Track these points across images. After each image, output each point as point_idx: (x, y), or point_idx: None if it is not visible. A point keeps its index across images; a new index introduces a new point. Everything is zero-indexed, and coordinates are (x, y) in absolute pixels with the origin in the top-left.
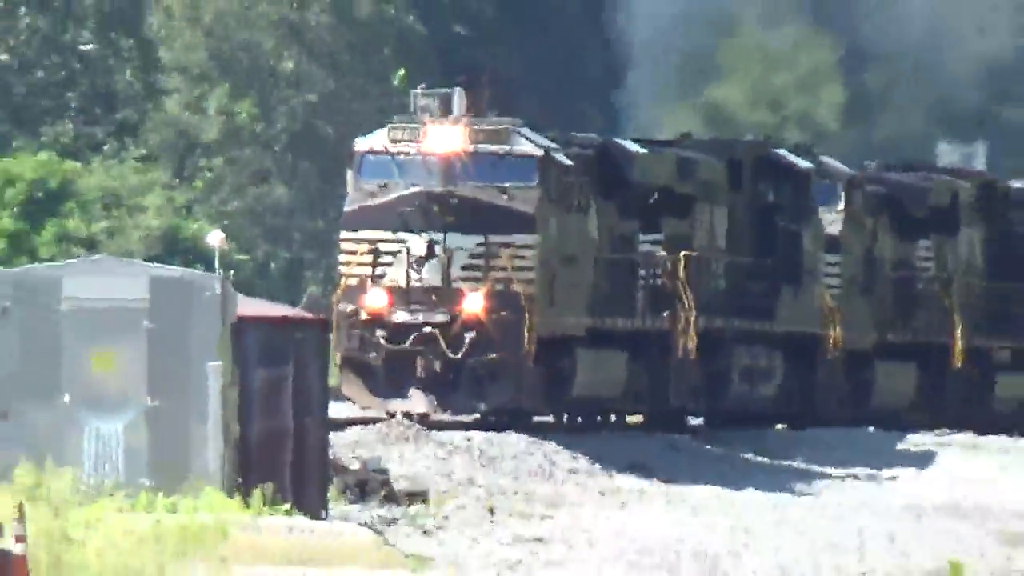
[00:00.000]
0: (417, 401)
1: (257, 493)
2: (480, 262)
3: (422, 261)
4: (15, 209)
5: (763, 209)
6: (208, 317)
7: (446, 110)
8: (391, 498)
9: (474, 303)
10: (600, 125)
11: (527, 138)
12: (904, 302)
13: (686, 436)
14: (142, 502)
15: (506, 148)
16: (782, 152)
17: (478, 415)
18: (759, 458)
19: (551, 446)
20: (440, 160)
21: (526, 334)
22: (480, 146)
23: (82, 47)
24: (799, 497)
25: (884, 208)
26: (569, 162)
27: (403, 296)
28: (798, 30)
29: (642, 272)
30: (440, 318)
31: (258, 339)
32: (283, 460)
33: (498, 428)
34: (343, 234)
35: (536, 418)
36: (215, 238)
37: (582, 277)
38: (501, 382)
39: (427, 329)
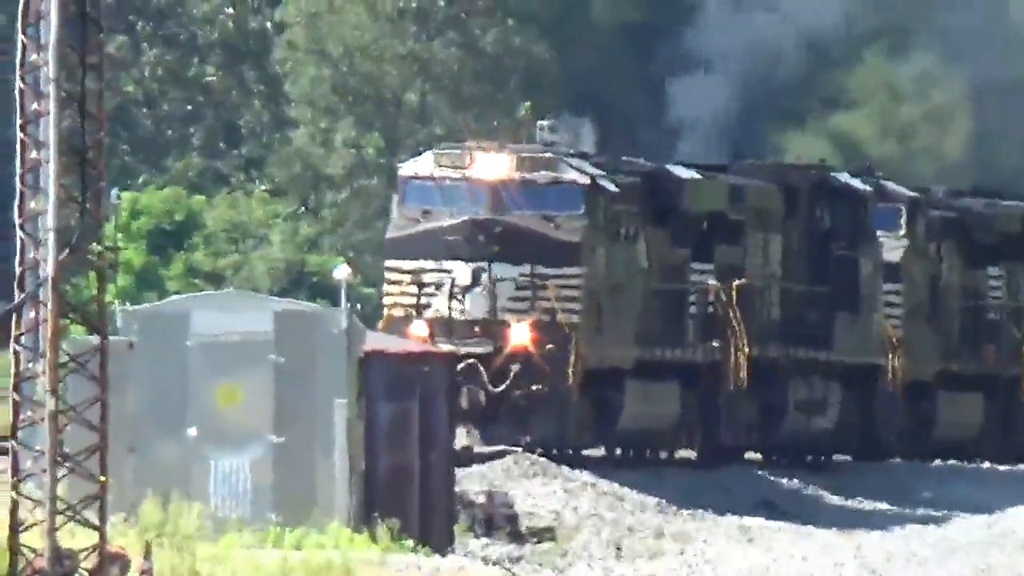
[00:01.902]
0: (458, 434)
1: (383, 529)
2: (526, 293)
3: (466, 290)
4: (143, 243)
5: (819, 235)
6: (334, 351)
7: (574, 142)
8: (518, 534)
9: (520, 334)
10: (716, 153)
11: (574, 166)
12: (971, 331)
13: (816, 472)
14: (270, 537)
15: (553, 176)
16: (841, 176)
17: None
18: (881, 495)
19: (676, 482)
20: (486, 187)
21: (572, 366)
22: (526, 174)
23: (207, 79)
24: (924, 534)
25: (950, 234)
26: (616, 189)
27: (446, 328)
28: (925, 63)
29: (693, 301)
30: (483, 349)
31: (384, 373)
32: (409, 495)
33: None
34: (387, 262)
35: (586, 451)
36: (342, 272)
37: (630, 307)
38: (545, 414)
39: (469, 361)
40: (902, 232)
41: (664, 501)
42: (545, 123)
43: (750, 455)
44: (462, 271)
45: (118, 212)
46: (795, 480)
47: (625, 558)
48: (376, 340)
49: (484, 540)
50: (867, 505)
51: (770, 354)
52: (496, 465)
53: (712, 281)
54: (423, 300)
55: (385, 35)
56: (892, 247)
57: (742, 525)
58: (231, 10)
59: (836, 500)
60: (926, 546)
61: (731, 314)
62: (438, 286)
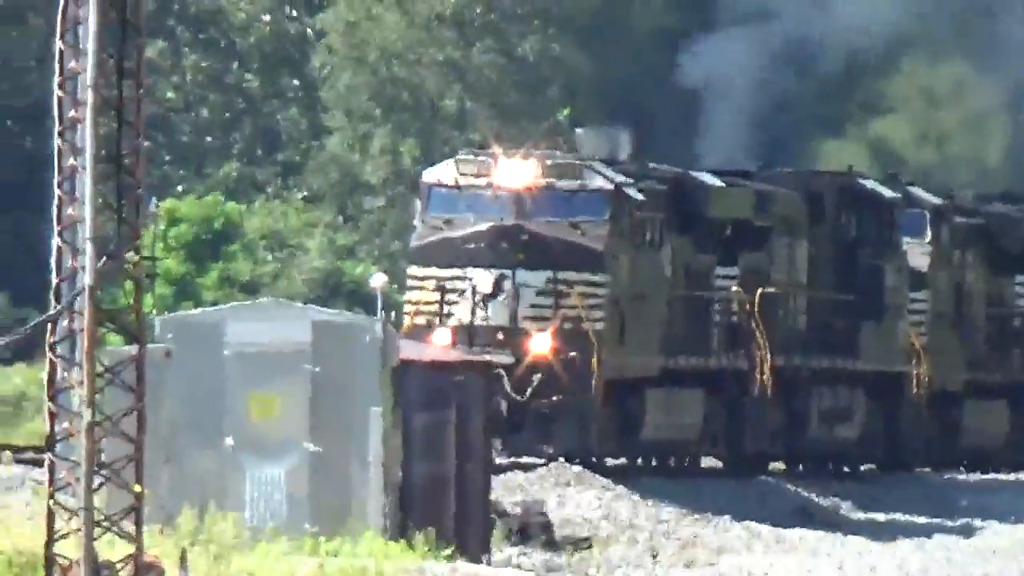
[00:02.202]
0: None
1: (419, 537)
2: (548, 300)
3: (489, 298)
4: (181, 251)
5: (845, 242)
6: (370, 361)
7: (612, 150)
8: (553, 543)
9: (541, 343)
10: (756, 159)
11: (599, 172)
12: (998, 339)
13: (846, 482)
14: (306, 546)
15: (577, 183)
16: (866, 183)
17: (546, 459)
18: (918, 505)
19: (714, 490)
20: (510, 194)
21: (595, 375)
22: (551, 180)
23: (246, 85)
24: (963, 540)
25: (976, 240)
26: (641, 197)
27: (468, 336)
28: (963, 68)
29: (718, 309)
30: (505, 359)
31: (420, 382)
32: (445, 504)
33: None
34: (409, 270)
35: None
36: (378, 281)
37: (654, 315)
38: (567, 424)
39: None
40: (927, 239)
41: (700, 511)
42: (581, 131)
43: (779, 466)
44: (484, 278)
45: (156, 221)
46: (831, 490)
47: (661, 567)
48: (412, 349)
49: (520, 549)
50: (904, 514)
51: (795, 362)
52: (532, 474)
53: (736, 289)
54: (445, 308)
55: (422, 41)
56: (917, 254)
57: (778, 535)
58: (270, 17)
59: (873, 509)
60: (963, 553)
61: (755, 322)
62: (460, 293)
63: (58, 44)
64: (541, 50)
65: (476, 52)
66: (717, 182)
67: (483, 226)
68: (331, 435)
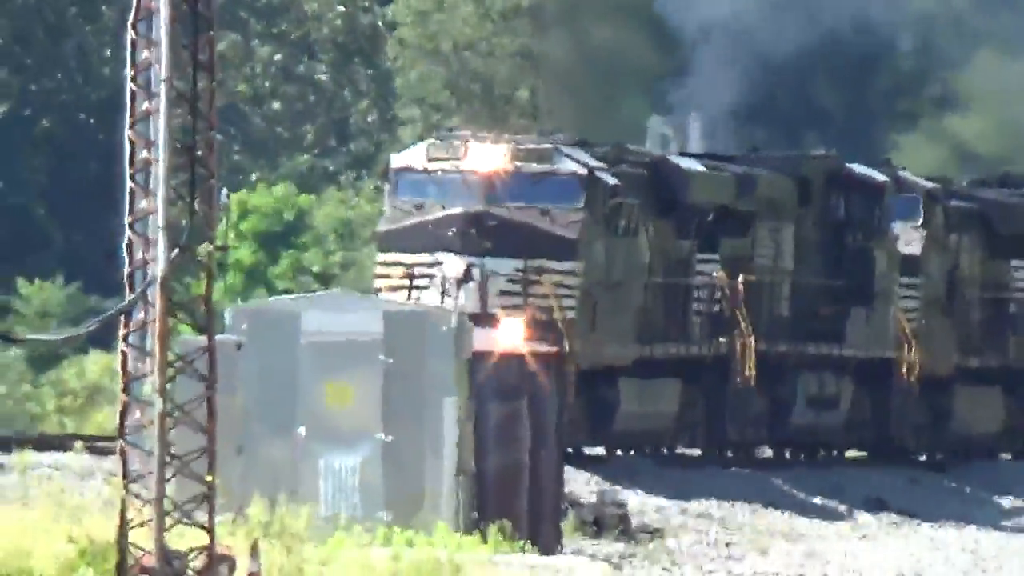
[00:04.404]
0: None
1: (492, 528)
2: (519, 287)
3: (457, 285)
4: (252, 241)
5: (833, 226)
6: (443, 351)
7: (683, 138)
8: (627, 533)
9: (511, 331)
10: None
11: (572, 157)
12: (993, 325)
13: (921, 469)
14: (380, 536)
15: (549, 167)
16: (855, 167)
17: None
18: (992, 492)
19: (784, 479)
20: (480, 179)
21: (566, 363)
22: (522, 165)
23: (318, 77)
24: None
25: (971, 225)
26: (616, 182)
27: None
28: None
29: (698, 295)
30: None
31: (493, 373)
32: (518, 495)
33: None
34: (377, 256)
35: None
36: (452, 270)
37: (630, 303)
38: None
39: None
40: (920, 223)
41: (776, 499)
42: (653, 118)
43: (856, 455)
44: (453, 265)
45: (228, 212)
46: (905, 477)
47: (735, 557)
48: (485, 339)
49: (593, 540)
50: (979, 502)
51: (779, 348)
52: (606, 463)
53: (718, 274)
54: (414, 295)
55: (496, 32)
56: (910, 239)
57: (852, 522)
58: (342, 8)
59: (947, 497)
60: None
61: (738, 308)
62: (429, 280)
63: (130, 35)
64: (614, 40)
65: (549, 42)
66: (696, 167)
67: (452, 211)
68: (405, 425)
